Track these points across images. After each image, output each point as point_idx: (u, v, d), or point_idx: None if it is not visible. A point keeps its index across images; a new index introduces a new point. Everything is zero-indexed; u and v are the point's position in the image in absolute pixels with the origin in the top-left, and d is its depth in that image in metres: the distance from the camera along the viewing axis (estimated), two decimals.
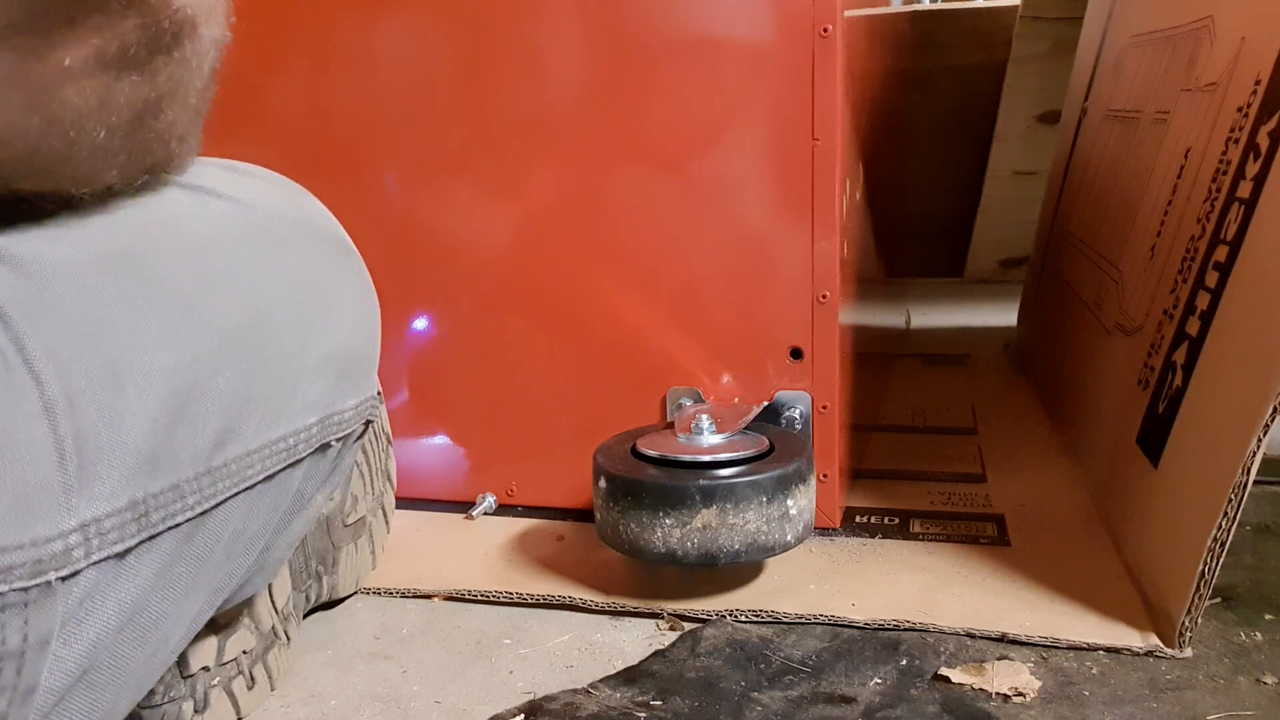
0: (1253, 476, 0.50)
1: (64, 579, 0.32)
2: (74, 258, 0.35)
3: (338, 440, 0.48)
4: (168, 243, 0.39)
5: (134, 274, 0.36)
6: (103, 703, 0.36)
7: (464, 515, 0.78)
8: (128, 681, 0.37)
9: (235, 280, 0.41)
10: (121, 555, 0.34)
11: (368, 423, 0.52)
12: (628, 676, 0.55)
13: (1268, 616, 0.59)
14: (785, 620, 0.60)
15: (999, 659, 0.55)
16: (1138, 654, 0.55)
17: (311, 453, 0.45)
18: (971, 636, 0.57)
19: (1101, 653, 0.55)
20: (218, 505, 0.39)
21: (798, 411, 0.70)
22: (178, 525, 0.36)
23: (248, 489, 0.40)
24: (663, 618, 0.62)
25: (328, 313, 0.46)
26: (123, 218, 0.38)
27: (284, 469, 0.43)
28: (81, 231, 0.36)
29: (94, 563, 0.33)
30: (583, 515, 0.77)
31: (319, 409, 0.45)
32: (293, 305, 0.43)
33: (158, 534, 0.36)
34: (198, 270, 0.39)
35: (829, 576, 0.66)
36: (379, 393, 0.56)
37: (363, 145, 0.76)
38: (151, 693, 0.48)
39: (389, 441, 0.70)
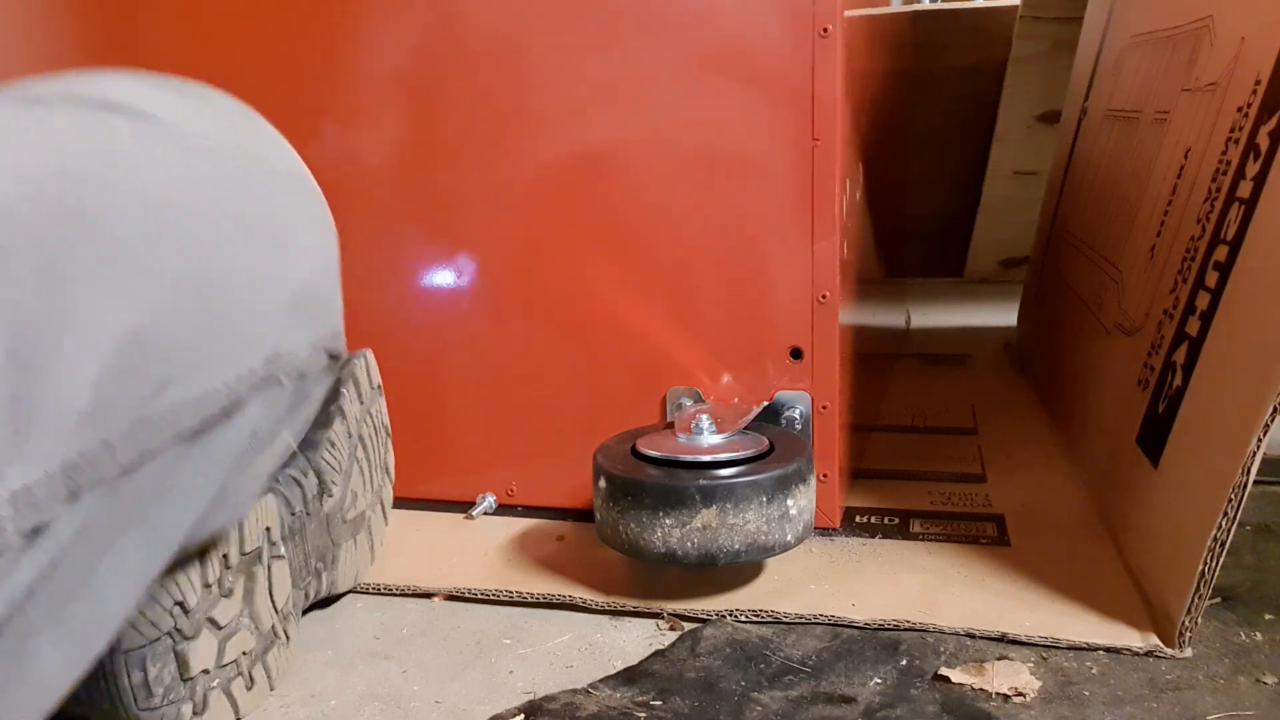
0: (1253, 476, 0.50)
1: None
2: (16, 197, 0.33)
3: (290, 378, 0.46)
4: (114, 179, 0.36)
5: (80, 216, 0.34)
6: (9, 654, 0.34)
7: (464, 515, 0.78)
8: (45, 637, 0.35)
9: (183, 220, 0.38)
10: (46, 521, 0.32)
11: (335, 357, 0.49)
12: (628, 676, 0.55)
13: (1268, 616, 0.59)
14: (785, 620, 0.60)
15: (999, 659, 0.55)
16: (1138, 654, 0.55)
17: (257, 391, 0.43)
18: (971, 636, 0.58)
19: (1101, 653, 0.55)
20: (149, 457, 0.37)
21: (798, 411, 0.70)
22: (102, 482, 0.34)
23: (181, 438, 0.38)
24: (663, 618, 0.62)
25: (279, 249, 0.44)
26: (65, 151, 0.36)
27: (222, 413, 0.41)
28: (21, 168, 0.34)
29: (21, 533, 0.31)
30: (583, 515, 0.77)
31: (265, 350, 0.43)
32: (242, 244, 0.41)
33: (80, 493, 0.33)
34: (145, 210, 0.37)
35: (829, 576, 0.66)
36: (362, 360, 0.53)
37: (361, 143, 0.76)
38: (150, 694, 0.47)
39: (388, 435, 0.70)
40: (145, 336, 0.35)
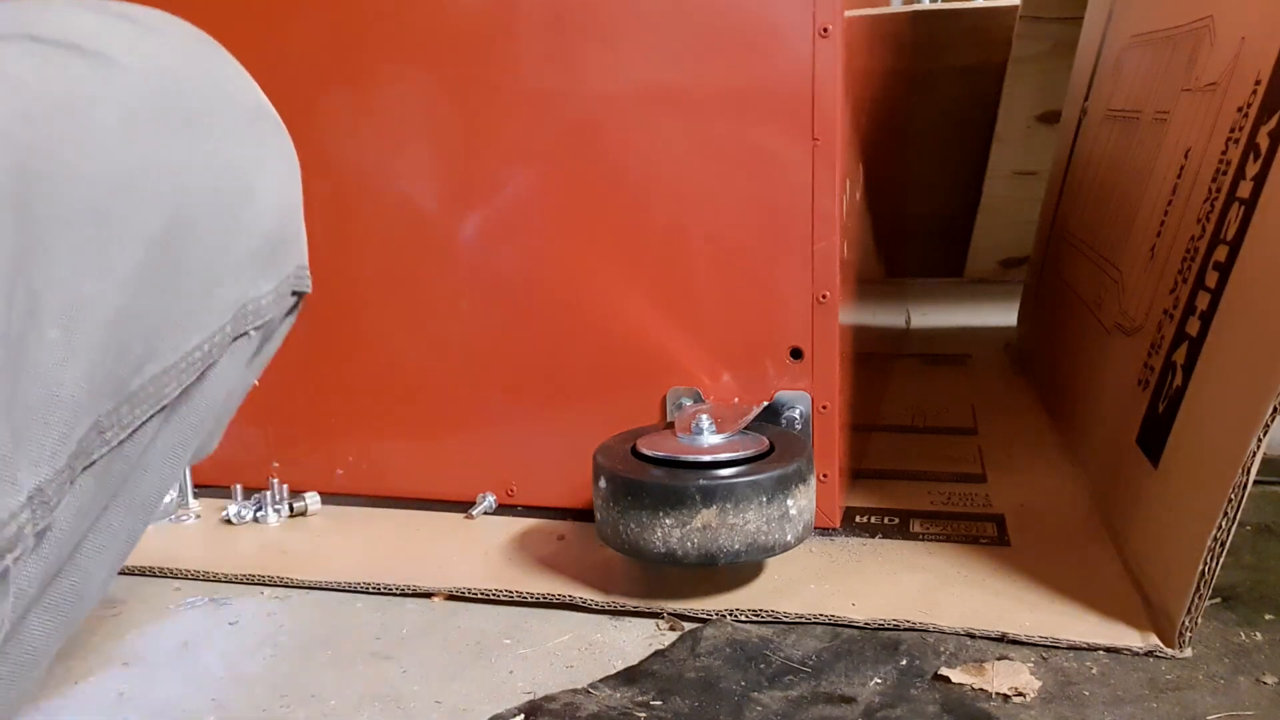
0: (1253, 476, 0.50)
1: (17, 559, 0.29)
2: None
3: (256, 329, 0.44)
4: (75, 133, 0.33)
5: (46, 179, 0.31)
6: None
7: (464, 515, 0.78)
8: (34, 611, 0.35)
9: (150, 174, 0.35)
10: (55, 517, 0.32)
11: (300, 295, 0.47)
12: (628, 676, 0.55)
13: (1268, 616, 0.59)
14: (785, 620, 0.60)
15: (999, 659, 0.55)
16: (1138, 654, 0.55)
17: (226, 348, 0.41)
18: (971, 636, 0.57)
19: (1101, 653, 0.55)
20: (134, 432, 0.35)
21: (798, 411, 0.70)
22: (93, 463, 0.33)
23: (163, 408, 0.37)
24: (663, 618, 0.62)
25: (246, 197, 0.41)
26: (27, 96, 0.32)
27: (198, 378, 0.39)
28: None
29: (37, 533, 0.30)
30: (583, 515, 0.77)
31: (234, 306, 0.41)
32: (209, 195, 0.38)
33: (76, 479, 0.32)
34: (110, 166, 0.34)
35: (829, 576, 0.66)
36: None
37: (359, 146, 0.76)
38: None
39: None
40: (128, 313, 0.34)
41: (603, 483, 0.63)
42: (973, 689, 0.52)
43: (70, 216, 0.31)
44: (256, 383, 0.53)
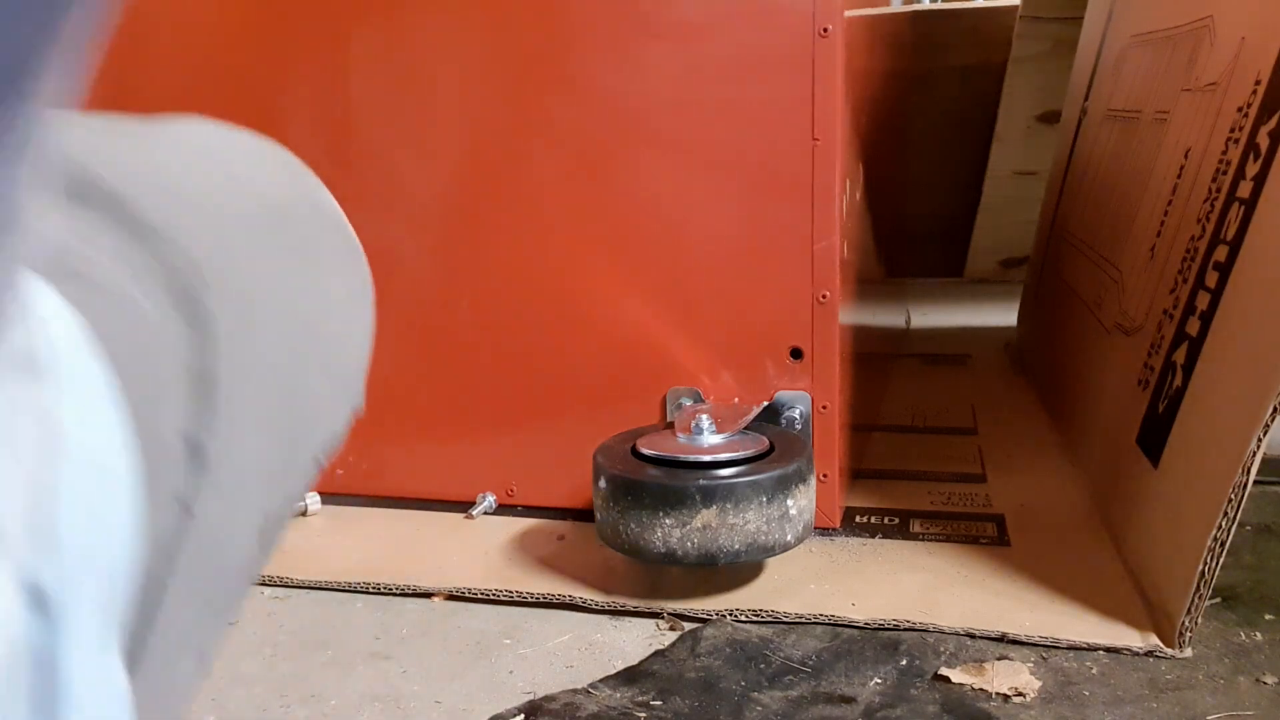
0: (1253, 476, 0.50)
1: None
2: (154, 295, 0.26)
3: (329, 458, 0.45)
4: (227, 262, 0.30)
5: (225, 323, 0.28)
6: None
7: (464, 515, 0.78)
8: None
9: (285, 314, 0.33)
10: None
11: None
12: (628, 676, 0.55)
13: (1268, 616, 0.59)
14: (785, 620, 0.60)
15: (999, 659, 0.55)
16: (1138, 654, 0.55)
17: (308, 483, 0.41)
18: (971, 636, 0.58)
19: (1101, 653, 0.55)
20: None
21: (798, 411, 0.70)
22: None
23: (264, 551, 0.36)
24: (663, 617, 0.62)
25: (344, 333, 0.40)
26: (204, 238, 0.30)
27: (286, 519, 0.39)
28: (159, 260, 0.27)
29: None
30: (583, 515, 0.77)
31: (321, 443, 0.40)
32: (317, 336, 0.37)
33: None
34: (249, 296, 0.31)
35: (829, 576, 0.66)
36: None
37: (358, 141, 0.76)
38: None
39: None
40: (276, 467, 0.32)
41: (603, 483, 0.63)
42: (973, 689, 0.52)
43: (240, 350, 0.29)
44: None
